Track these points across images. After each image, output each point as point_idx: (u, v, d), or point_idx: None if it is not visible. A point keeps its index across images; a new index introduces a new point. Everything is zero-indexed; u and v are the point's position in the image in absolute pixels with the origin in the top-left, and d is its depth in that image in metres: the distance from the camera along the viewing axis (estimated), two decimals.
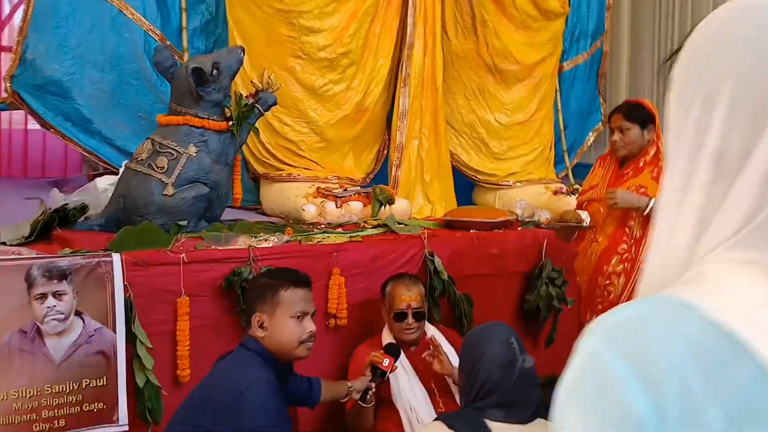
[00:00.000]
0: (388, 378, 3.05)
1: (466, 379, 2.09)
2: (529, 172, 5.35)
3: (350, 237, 3.56)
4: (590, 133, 6.46)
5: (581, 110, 6.28)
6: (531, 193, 5.03)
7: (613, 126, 3.10)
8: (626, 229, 3.03)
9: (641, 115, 3.09)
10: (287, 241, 3.47)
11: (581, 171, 5.91)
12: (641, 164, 3.11)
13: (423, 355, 3.16)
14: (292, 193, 4.49)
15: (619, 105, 3.17)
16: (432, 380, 3.22)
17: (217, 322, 3.19)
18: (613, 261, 3.05)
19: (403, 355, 3.13)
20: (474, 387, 2.03)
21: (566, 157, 5.79)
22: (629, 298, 3.07)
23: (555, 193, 4.91)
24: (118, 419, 2.93)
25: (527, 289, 3.85)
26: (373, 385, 2.92)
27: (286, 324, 2.30)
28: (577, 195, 3.39)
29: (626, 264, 3.04)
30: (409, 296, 3.22)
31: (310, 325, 2.33)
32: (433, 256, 3.55)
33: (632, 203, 3.00)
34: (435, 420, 2.10)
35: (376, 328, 3.40)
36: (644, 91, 6.93)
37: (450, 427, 2.00)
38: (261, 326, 2.30)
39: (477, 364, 2.03)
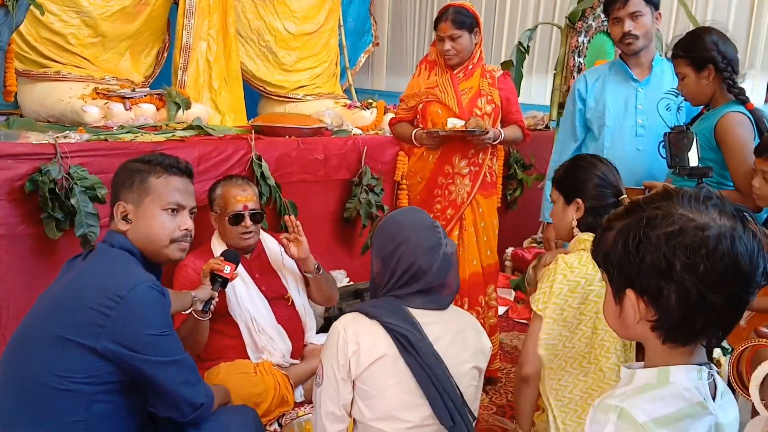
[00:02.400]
0: (222, 290, 2.81)
1: (382, 266, 1.97)
2: (318, 86, 5.24)
3: (168, 137, 3.15)
4: (362, 54, 6.51)
5: (356, 29, 6.29)
6: (320, 107, 4.92)
7: (442, 35, 3.10)
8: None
9: (468, 21, 3.12)
10: (89, 140, 2.97)
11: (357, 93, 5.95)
12: (470, 67, 3.17)
13: (281, 237, 2.95)
14: (65, 94, 3.86)
15: (443, 12, 3.14)
16: (270, 287, 3.03)
17: (17, 233, 2.64)
18: (460, 163, 3.10)
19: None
20: (394, 274, 1.92)
21: (348, 74, 5.77)
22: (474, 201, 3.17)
23: (348, 107, 4.87)
24: None
25: (347, 196, 3.80)
26: (216, 294, 2.66)
27: (156, 217, 1.93)
28: (398, 103, 3.35)
29: (473, 168, 3.11)
30: (245, 197, 2.96)
31: (186, 222, 1.99)
32: (261, 160, 3.30)
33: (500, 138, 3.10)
34: (353, 311, 1.95)
35: (202, 238, 3.09)
36: (407, 8, 7.17)
37: (371, 317, 1.88)
38: (125, 218, 1.92)
39: (399, 249, 1.91)
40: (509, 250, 4.76)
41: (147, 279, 1.82)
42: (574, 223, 2.13)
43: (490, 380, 3.35)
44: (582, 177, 2.14)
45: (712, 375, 1.18)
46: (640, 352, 2.01)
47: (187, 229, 2.00)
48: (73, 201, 2.64)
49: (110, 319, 1.72)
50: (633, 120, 2.98)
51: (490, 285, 3.26)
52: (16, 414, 1.70)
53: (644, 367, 1.19)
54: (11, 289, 2.68)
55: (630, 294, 1.15)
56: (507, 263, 4.76)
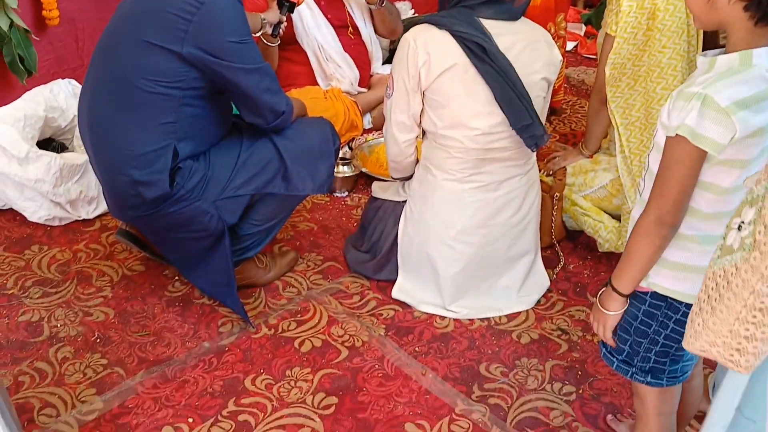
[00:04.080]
0: (289, 17, 2.84)
1: None
2: None
3: None
4: None
5: None
6: None
7: None
8: None
9: None
10: None
11: None
12: None
13: None
14: None
15: None
16: (335, 15, 3.04)
17: None
18: None
19: None
20: None
21: None
22: None
23: None
24: None
25: None
26: (284, 18, 2.70)
27: None
28: None
29: None
30: None
31: None
32: None
33: None
34: (423, 23, 1.97)
35: None
36: None
37: (441, 27, 1.91)
38: None
39: None
40: None
41: None
42: None
43: (554, 111, 3.41)
44: None
45: None
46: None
47: None
48: None
49: (192, 24, 1.78)
50: None
51: (561, 14, 3.19)
52: (113, 113, 1.85)
53: (725, 53, 1.20)
54: (84, 11, 2.77)
55: None
56: None
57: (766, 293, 0.90)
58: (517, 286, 2.19)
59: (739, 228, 0.97)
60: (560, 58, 2.04)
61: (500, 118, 1.91)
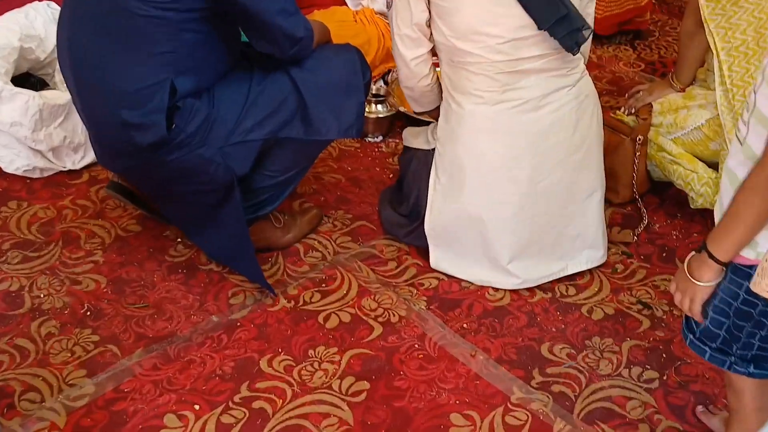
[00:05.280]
0: None
1: None
2: None
3: None
4: None
5: None
6: None
7: None
8: None
9: None
10: None
11: None
12: None
13: None
14: None
15: None
16: None
17: None
18: None
19: None
20: None
21: None
22: None
23: None
24: None
25: None
26: None
27: None
28: None
29: None
30: None
31: None
32: None
33: None
34: None
35: None
36: None
37: None
38: None
39: None
40: None
41: None
42: None
43: (639, 34, 3.35)
44: None
45: None
46: None
47: None
48: None
49: None
50: None
51: None
52: (98, 42, 1.85)
53: None
54: None
55: None
56: None
57: None
58: (590, 236, 2.17)
59: None
60: None
61: (525, 20, 1.86)
